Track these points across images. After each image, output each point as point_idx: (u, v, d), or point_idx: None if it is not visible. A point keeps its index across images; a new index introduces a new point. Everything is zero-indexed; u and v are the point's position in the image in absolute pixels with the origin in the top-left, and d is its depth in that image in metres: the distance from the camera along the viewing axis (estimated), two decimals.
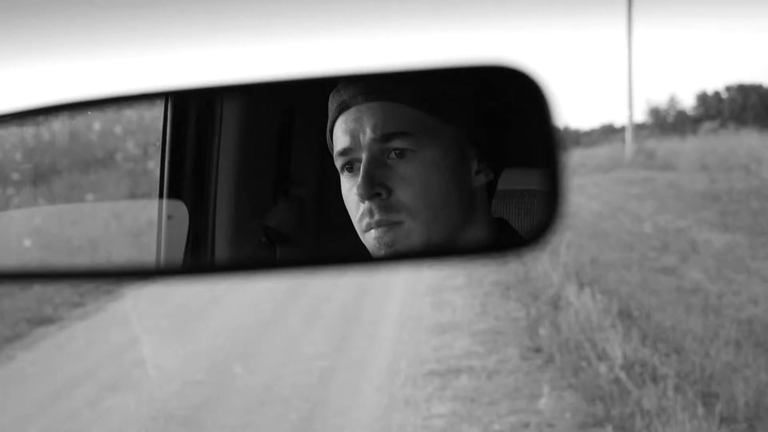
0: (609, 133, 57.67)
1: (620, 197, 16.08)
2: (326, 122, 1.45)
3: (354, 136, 1.38)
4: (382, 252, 1.36)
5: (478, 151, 1.42)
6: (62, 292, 9.46)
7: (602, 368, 5.03)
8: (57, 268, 1.58)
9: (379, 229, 1.36)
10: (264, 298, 8.29)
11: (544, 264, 8.29)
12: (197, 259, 1.66)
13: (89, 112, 1.50)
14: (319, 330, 6.90)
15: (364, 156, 1.37)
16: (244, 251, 1.66)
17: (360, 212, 1.38)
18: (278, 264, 1.60)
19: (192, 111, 1.69)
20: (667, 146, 28.33)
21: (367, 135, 1.37)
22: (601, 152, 32.31)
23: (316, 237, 1.56)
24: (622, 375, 4.87)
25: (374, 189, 1.35)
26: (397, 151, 1.36)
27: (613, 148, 33.20)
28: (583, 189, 17.75)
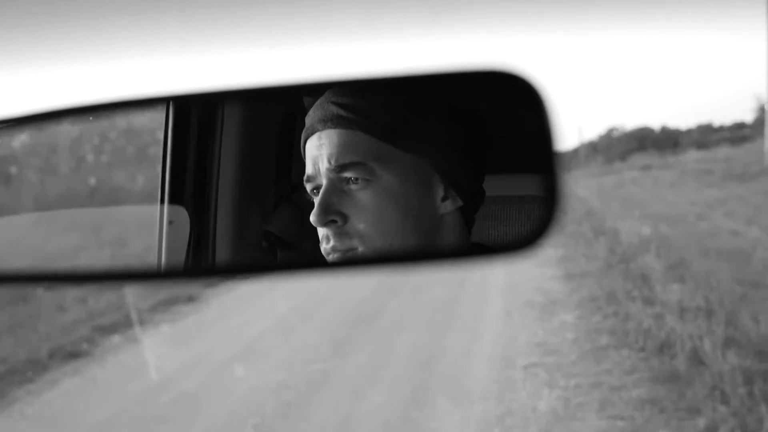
0: (707, 132, 54.14)
1: None
2: None
3: (315, 164, 1.41)
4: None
5: (444, 177, 1.41)
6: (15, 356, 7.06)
7: None
8: (61, 271, 1.56)
9: (335, 255, 1.38)
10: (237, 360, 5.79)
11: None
12: (198, 263, 1.67)
13: (90, 118, 1.53)
14: None
15: (323, 183, 1.39)
16: (244, 256, 1.66)
17: (320, 236, 1.40)
18: (278, 267, 1.63)
19: (193, 116, 1.69)
20: None
21: (324, 164, 1.39)
22: (724, 155, 27.40)
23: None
24: None
25: (328, 217, 1.38)
26: (353, 180, 1.38)
27: (743, 150, 28.06)
28: (724, 204, 13.55)
